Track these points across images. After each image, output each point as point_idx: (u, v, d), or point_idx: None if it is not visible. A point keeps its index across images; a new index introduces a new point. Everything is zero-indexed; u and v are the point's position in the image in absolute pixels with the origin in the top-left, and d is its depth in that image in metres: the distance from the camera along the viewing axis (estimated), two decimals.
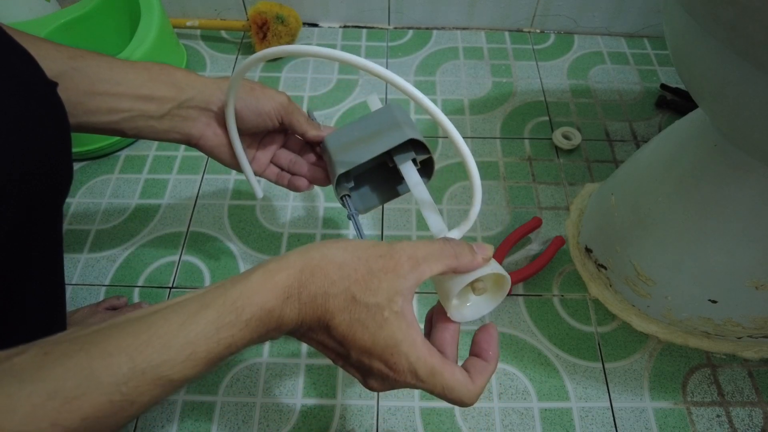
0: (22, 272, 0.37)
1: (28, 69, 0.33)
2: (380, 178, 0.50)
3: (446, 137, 0.80)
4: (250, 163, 0.49)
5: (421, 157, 0.45)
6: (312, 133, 0.48)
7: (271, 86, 0.47)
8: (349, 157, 0.45)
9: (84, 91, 0.40)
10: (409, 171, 0.44)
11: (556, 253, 0.66)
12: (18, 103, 0.31)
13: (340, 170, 0.45)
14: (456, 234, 0.38)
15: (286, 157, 0.51)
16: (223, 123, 0.45)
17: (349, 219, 0.47)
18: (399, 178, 0.45)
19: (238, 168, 0.48)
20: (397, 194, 0.50)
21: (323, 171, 0.50)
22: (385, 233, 0.70)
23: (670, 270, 0.57)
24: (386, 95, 0.86)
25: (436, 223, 0.40)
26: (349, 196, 0.47)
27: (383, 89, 0.87)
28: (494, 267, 0.34)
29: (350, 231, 0.71)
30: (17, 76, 0.32)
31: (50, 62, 0.35)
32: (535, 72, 0.90)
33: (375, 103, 0.52)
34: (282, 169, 0.51)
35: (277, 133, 0.49)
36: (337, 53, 0.32)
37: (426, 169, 0.47)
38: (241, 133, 0.46)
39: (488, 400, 0.57)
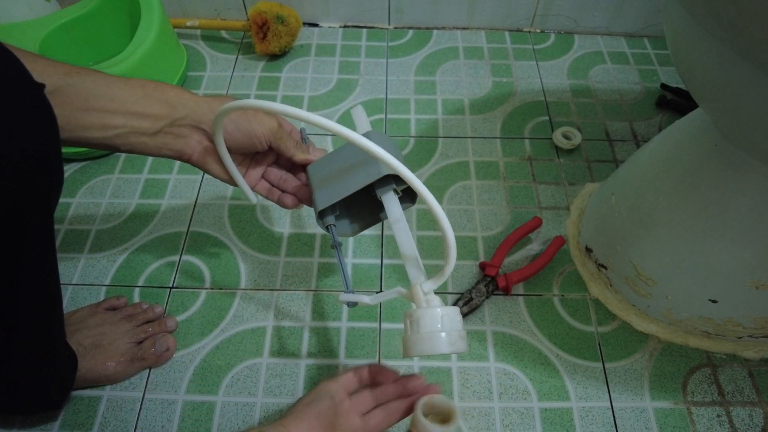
0: (14, 276, 0.37)
1: (14, 71, 0.33)
2: (365, 202, 0.50)
3: (445, 137, 0.80)
4: (243, 177, 0.51)
5: (401, 187, 0.46)
6: (300, 156, 0.50)
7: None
8: (328, 191, 0.46)
9: (79, 106, 0.40)
10: (391, 204, 0.45)
11: (557, 253, 0.66)
12: (4, 104, 0.31)
13: (320, 207, 0.46)
14: (430, 285, 0.39)
15: (277, 173, 0.53)
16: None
17: (332, 248, 0.47)
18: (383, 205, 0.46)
19: (231, 182, 0.50)
20: (385, 217, 0.50)
21: (310, 192, 0.51)
22: (385, 232, 0.70)
23: (671, 270, 0.57)
24: (386, 96, 0.86)
25: (413, 272, 0.41)
26: (334, 225, 0.48)
27: (383, 91, 0.87)
28: (446, 347, 0.37)
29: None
30: (2, 76, 0.31)
31: (46, 77, 0.35)
32: (536, 72, 0.90)
33: (359, 115, 0.52)
34: (272, 185, 0.53)
35: (269, 151, 0.50)
36: (331, 124, 0.35)
37: (409, 194, 0.47)
38: (232, 152, 0.47)
39: (488, 399, 0.57)
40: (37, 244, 0.38)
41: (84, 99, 0.40)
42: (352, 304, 0.45)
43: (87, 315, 0.59)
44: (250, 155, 0.51)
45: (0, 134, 0.30)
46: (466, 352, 0.37)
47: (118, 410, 0.56)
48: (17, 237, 0.35)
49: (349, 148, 0.48)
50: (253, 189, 0.52)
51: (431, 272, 0.43)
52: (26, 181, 0.33)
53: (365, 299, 0.44)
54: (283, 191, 0.53)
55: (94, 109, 0.41)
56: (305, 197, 0.52)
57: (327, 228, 0.48)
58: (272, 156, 0.53)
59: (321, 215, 0.47)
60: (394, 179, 0.46)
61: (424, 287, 0.39)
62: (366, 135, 0.47)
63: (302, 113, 0.36)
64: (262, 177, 0.53)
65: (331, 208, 0.48)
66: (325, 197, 0.46)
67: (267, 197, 0.53)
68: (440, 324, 0.37)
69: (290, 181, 0.52)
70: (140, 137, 0.44)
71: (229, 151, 0.47)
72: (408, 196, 0.47)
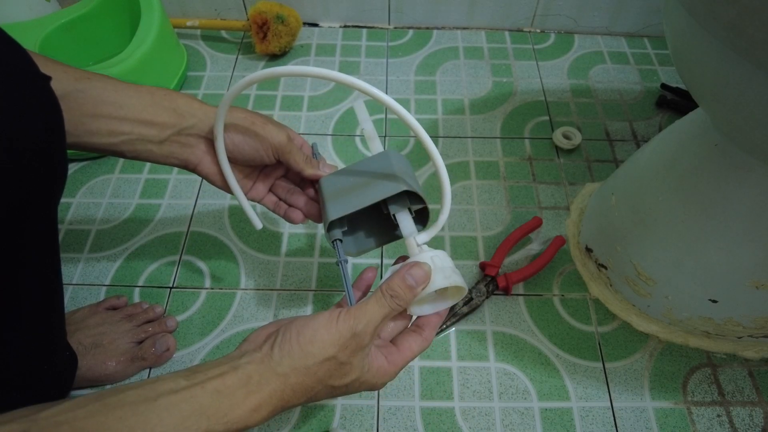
0: (16, 272, 0.37)
1: (21, 62, 0.33)
2: (375, 221, 0.49)
3: (445, 137, 0.80)
4: (249, 190, 0.50)
5: (416, 207, 0.44)
6: (309, 171, 0.48)
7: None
8: (341, 203, 0.45)
9: (87, 112, 0.40)
10: (404, 221, 0.44)
11: (557, 253, 0.66)
12: (10, 94, 0.31)
13: (331, 217, 0.44)
14: (423, 237, 0.42)
15: (285, 186, 0.51)
16: None
17: (337, 265, 0.46)
18: (394, 224, 0.45)
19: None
20: (392, 239, 0.49)
21: (319, 208, 0.50)
22: None
23: (671, 270, 0.57)
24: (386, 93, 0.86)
25: (407, 227, 0.43)
26: (340, 240, 0.46)
27: (383, 91, 0.87)
28: (442, 281, 0.38)
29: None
30: (9, 66, 0.31)
31: (56, 82, 0.35)
32: (536, 72, 0.90)
33: (361, 110, 0.51)
34: (279, 198, 0.52)
35: (278, 164, 0.49)
36: (328, 72, 0.36)
37: (421, 216, 0.46)
38: (239, 163, 0.47)
39: (488, 399, 0.57)
40: (39, 238, 0.38)
41: (92, 105, 0.40)
42: None
43: (87, 314, 0.59)
44: (258, 168, 0.50)
45: (5, 124, 0.30)
46: (465, 289, 0.40)
47: None
48: (20, 229, 0.35)
49: (364, 164, 0.47)
50: (260, 202, 0.51)
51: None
52: (30, 171, 0.33)
53: None
54: (290, 205, 0.51)
55: (102, 115, 0.41)
56: (313, 213, 0.50)
57: (333, 243, 0.46)
58: (281, 169, 0.51)
59: (330, 227, 0.46)
60: (409, 197, 0.44)
61: (418, 239, 0.42)
62: (383, 154, 0.47)
63: (310, 70, 0.37)
64: (270, 190, 0.51)
65: (340, 223, 0.46)
66: (337, 209, 0.45)
67: (274, 211, 0.51)
68: (432, 264, 0.39)
69: (297, 194, 0.51)
70: (147, 145, 0.43)
71: (236, 162, 0.46)
72: (420, 218, 0.46)
